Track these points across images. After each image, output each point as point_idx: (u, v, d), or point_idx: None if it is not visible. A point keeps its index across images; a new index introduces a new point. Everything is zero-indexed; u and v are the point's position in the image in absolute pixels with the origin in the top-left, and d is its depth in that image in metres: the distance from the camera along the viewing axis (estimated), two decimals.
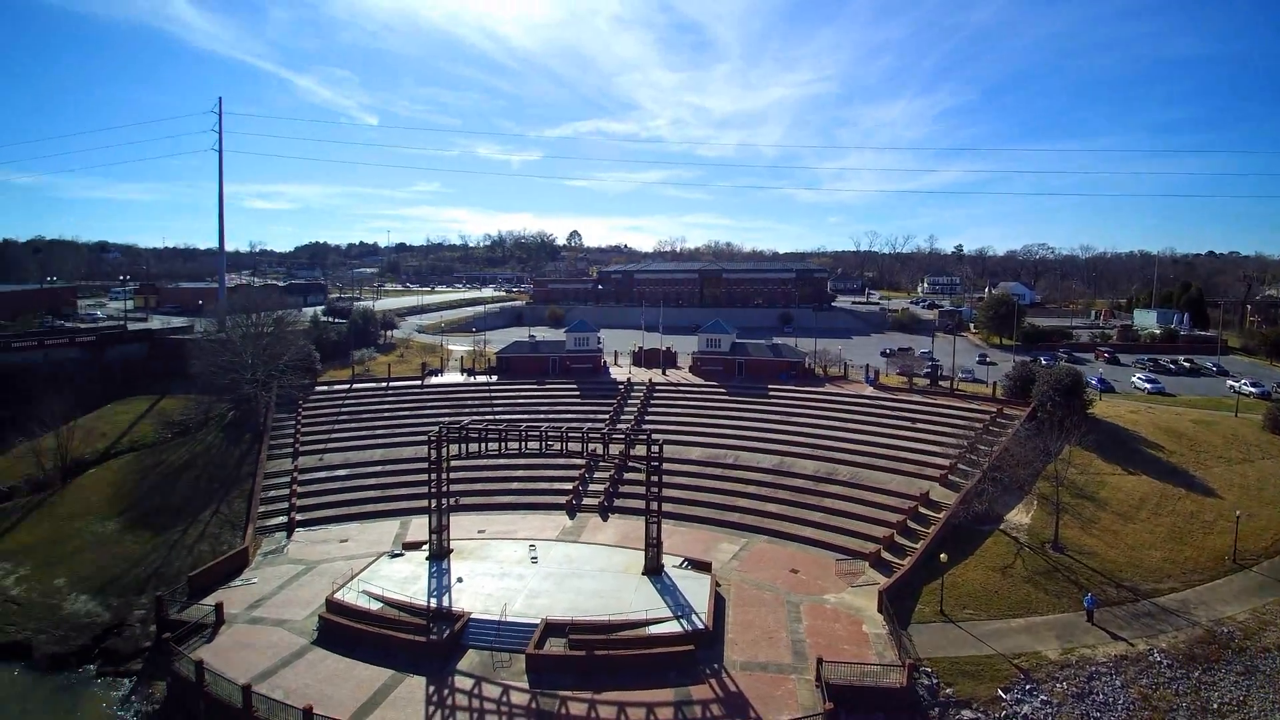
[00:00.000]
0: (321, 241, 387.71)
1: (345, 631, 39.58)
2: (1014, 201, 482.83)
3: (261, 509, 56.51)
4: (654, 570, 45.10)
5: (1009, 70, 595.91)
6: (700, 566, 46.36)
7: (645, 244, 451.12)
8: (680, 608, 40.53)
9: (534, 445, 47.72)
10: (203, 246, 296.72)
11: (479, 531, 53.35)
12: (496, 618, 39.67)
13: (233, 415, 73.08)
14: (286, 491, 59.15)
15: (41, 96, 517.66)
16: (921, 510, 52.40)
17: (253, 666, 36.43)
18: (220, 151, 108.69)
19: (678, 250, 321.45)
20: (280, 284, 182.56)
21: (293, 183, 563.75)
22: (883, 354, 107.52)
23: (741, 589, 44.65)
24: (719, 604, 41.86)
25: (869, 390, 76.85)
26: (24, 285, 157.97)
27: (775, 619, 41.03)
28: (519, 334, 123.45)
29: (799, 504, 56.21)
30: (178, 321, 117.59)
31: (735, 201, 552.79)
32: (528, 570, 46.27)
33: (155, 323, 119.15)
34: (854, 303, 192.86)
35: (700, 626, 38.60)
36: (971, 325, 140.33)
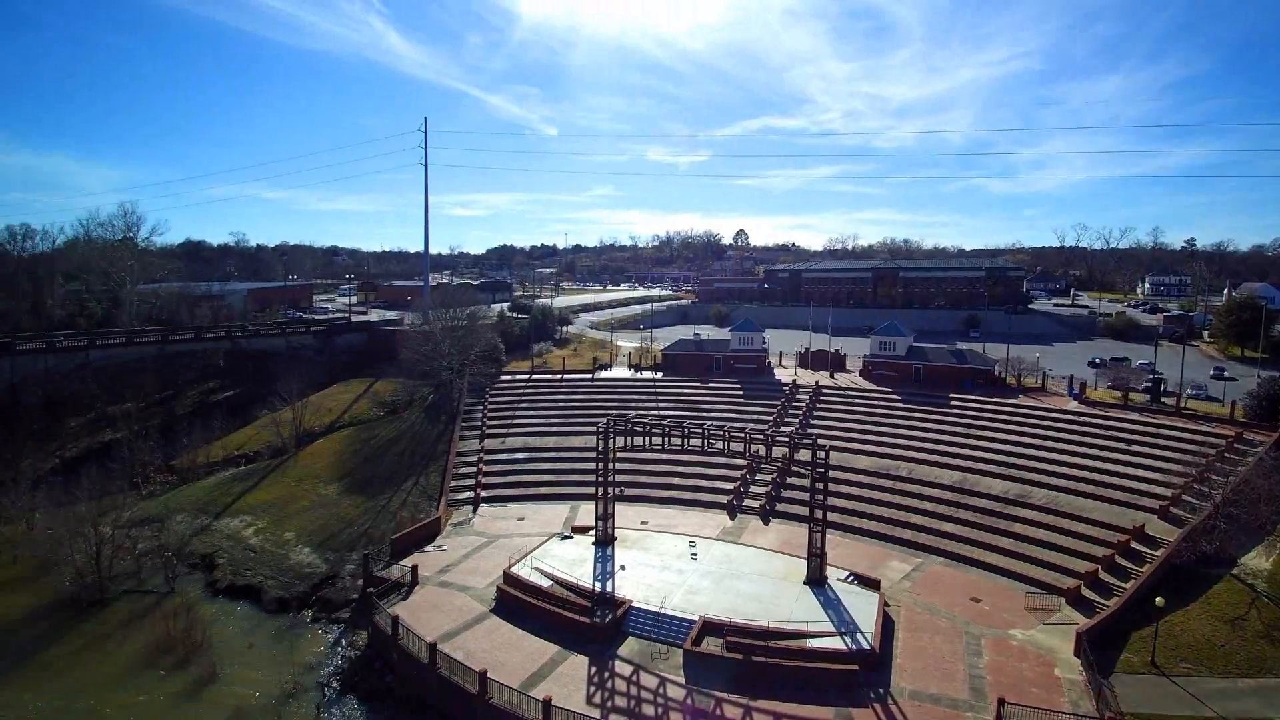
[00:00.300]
0: (508, 244, 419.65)
1: (518, 604, 42.62)
2: (1261, 187, 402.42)
3: (452, 484, 62.51)
4: (816, 581, 43.55)
5: (1254, 31, 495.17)
6: (867, 583, 44.01)
7: (814, 242, 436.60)
8: (844, 624, 38.76)
9: (696, 442, 48.05)
10: (411, 250, 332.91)
11: (642, 523, 54.85)
12: (656, 609, 40.55)
13: (432, 398, 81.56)
14: (474, 469, 64.92)
15: (286, 125, 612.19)
16: (1134, 545, 45.61)
17: (439, 626, 40.36)
18: (425, 166, 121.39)
19: (849, 248, 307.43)
20: (473, 283, 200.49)
21: (485, 192, 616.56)
22: (1091, 364, 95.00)
23: (913, 612, 41.73)
24: (887, 625, 39.46)
25: (1072, 405, 68.10)
26: (271, 283, 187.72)
27: (951, 649, 37.85)
28: (684, 332, 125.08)
29: (983, 526, 51.39)
30: (390, 315, 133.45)
31: (915, 195, 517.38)
32: (687, 566, 46.77)
33: (373, 315, 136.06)
34: (1055, 305, 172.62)
35: (866, 646, 36.63)
36: (1205, 333, 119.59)
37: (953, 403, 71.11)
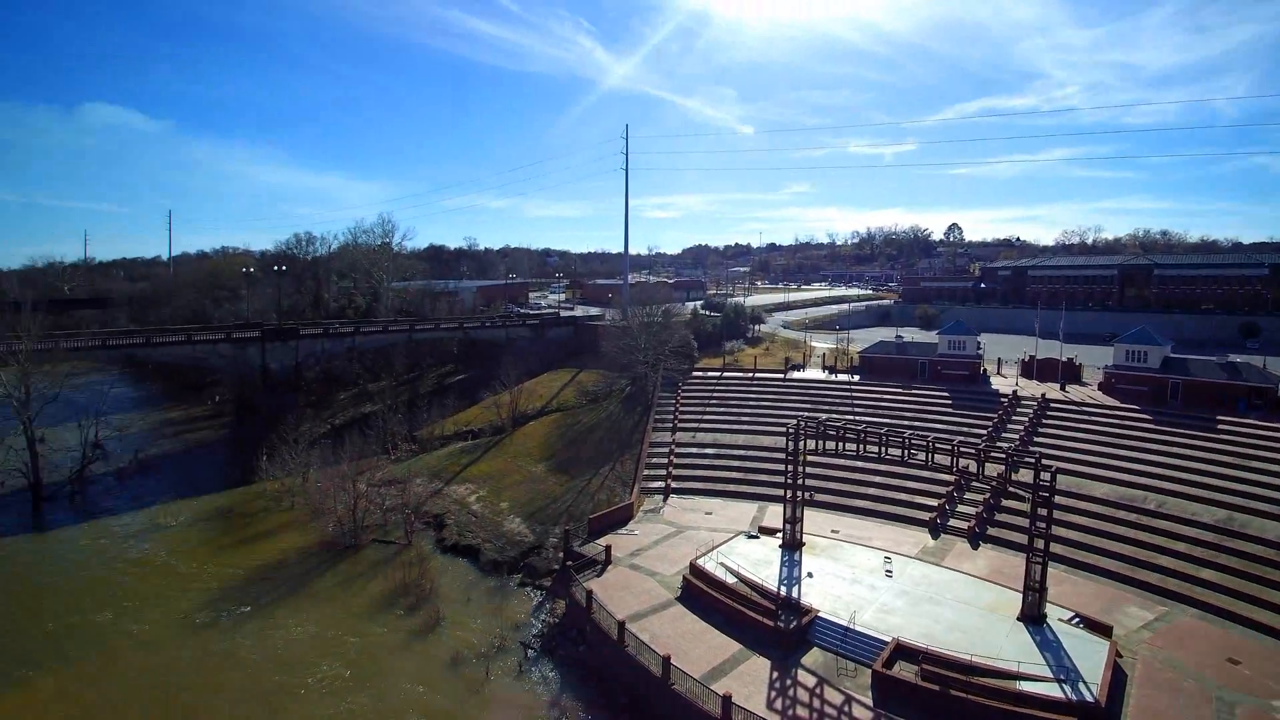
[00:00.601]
0: (703, 244, 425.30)
1: (703, 596, 43.45)
2: None
3: (645, 473, 65.30)
4: (1033, 618, 39.01)
5: None
6: (1097, 628, 38.50)
7: (1042, 236, 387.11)
8: (1064, 670, 34.34)
9: (895, 452, 45.28)
10: (613, 251, 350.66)
11: (832, 531, 53.02)
12: (844, 623, 39.06)
13: (629, 390, 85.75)
14: (665, 461, 67.22)
15: (509, 142, 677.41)
16: None
17: (628, 606, 42.45)
18: (626, 171, 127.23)
19: (1089, 242, 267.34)
20: (669, 281, 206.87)
21: (681, 193, 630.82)
22: None
23: (1151, 667, 35.80)
24: (1117, 678, 34.26)
25: None
26: (495, 281, 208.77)
27: (1195, 716, 31.92)
28: (884, 334, 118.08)
29: (1252, 576, 42.55)
30: (593, 311, 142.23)
31: (1176, 179, 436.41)
32: (880, 582, 44.39)
33: (578, 311, 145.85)
34: None
35: (1090, 699, 32.14)
36: None
37: (1220, 427, 59.46)
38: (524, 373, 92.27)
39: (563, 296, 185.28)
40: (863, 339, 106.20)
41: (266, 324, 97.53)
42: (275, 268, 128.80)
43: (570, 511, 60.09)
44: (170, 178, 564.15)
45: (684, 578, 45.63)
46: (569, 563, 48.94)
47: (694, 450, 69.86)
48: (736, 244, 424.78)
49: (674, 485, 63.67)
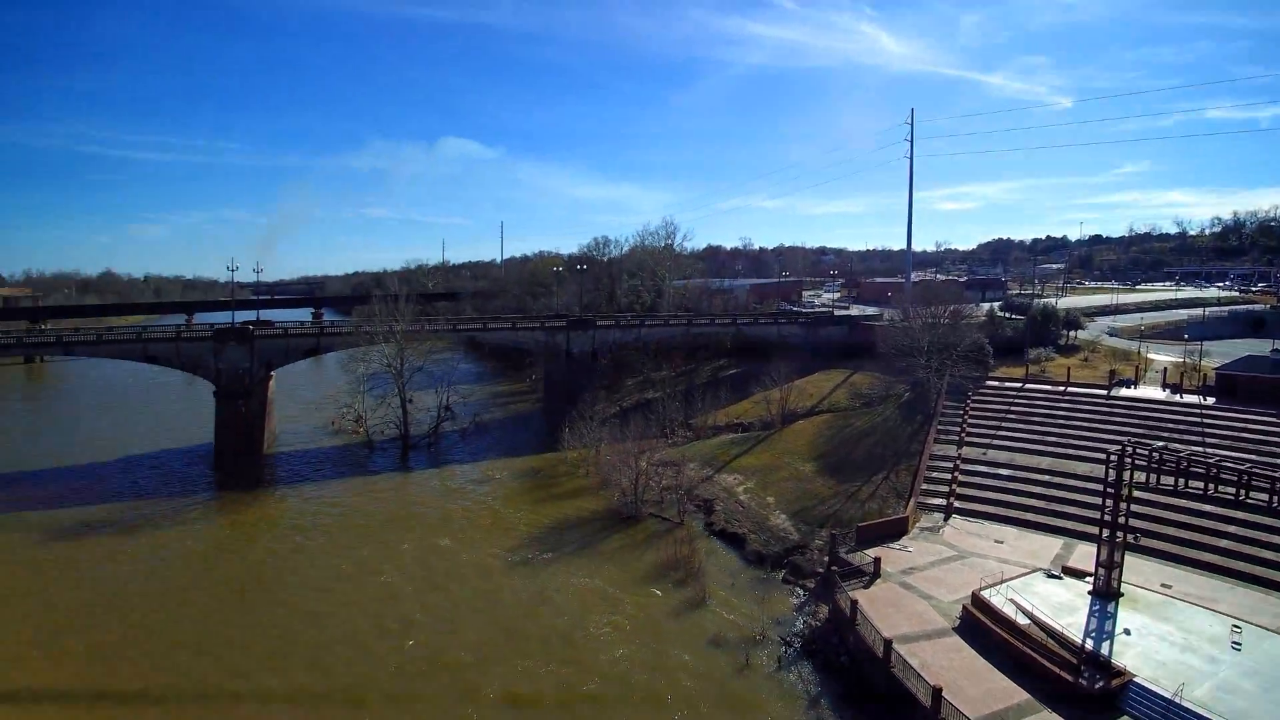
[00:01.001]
0: (1004, 238, 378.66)
1: (986, 632, 39.44)
2: None
3: (923, 487, 61.00)
4: None
5: None
6: None
7: None
8: None
9: (1260, 495, 36.06)
10: (895, 248, 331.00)
11: (1162, 585, 43.98)
12: (1168, 695, 32.46)
13: (908, 396, 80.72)
14: (948, 477, 62.00)
15: (785, 140, 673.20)
16: None
17: (895, 625, 40.34)
18: (910, 160, 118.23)
19: None
20: (960, 279, 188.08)
21: (977, 182, 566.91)
22: None
23: None
24: None
25: None
26: (767, 280, 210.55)
27: None
28: (1255, 346, 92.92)
29: None
30: (870, 310, 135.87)
31: None
32: (1223, 655, 35.89)
33: (854, 310, 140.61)
34: None
35: None
36: None
37: None
38: (794, 370, 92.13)
39: (837, 295, 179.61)
40: (1223, 352, 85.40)
41: (570, 316, 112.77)
42: (578, 267, 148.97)
43: (837, 516, 58.79)
44: (503, 195, 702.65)
45: (964, 607, 41.87)
46: (834, 568, 48.07)
47: (984, 469, 63.15)
48: (1048, 237, 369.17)
49: (957, 505, 58.39)
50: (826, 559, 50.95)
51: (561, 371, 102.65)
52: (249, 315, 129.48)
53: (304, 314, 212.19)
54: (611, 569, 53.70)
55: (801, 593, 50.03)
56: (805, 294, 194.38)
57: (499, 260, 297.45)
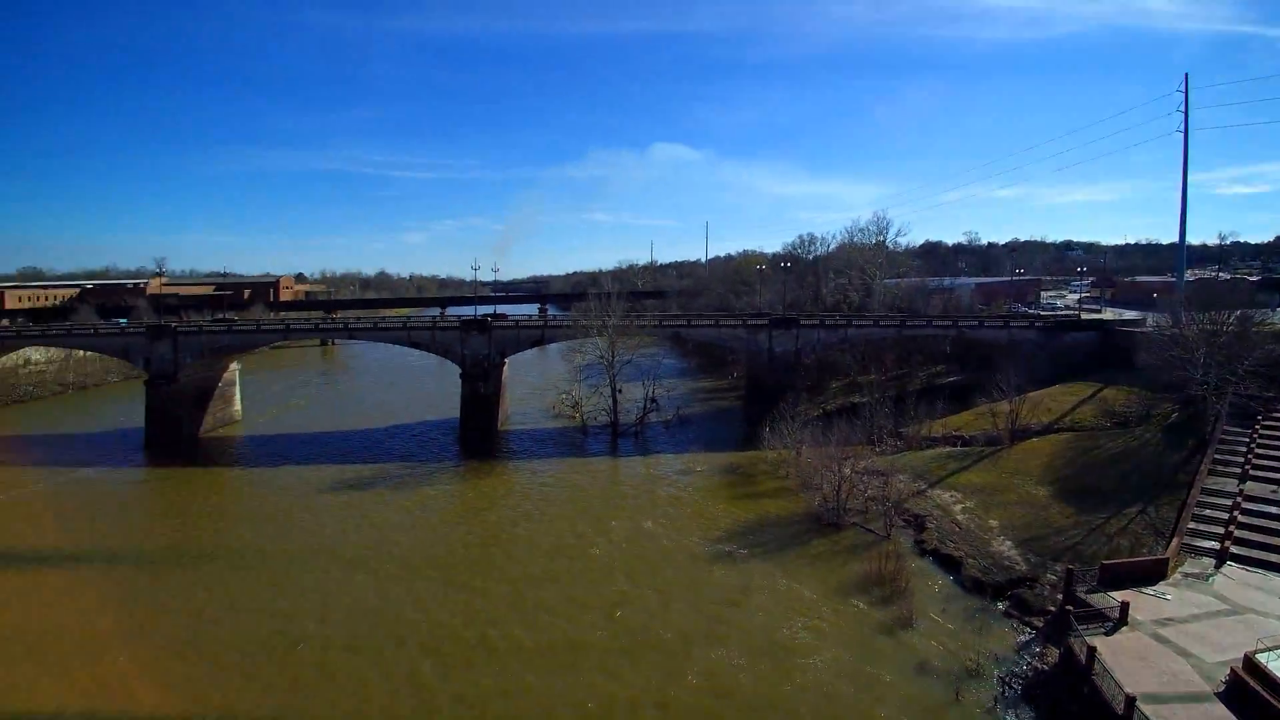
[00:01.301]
0: None
1: (1261, 705, 32.74)
2: None
3: (1191, 525, 51.73)
4: None
5: None
6: None
7: None
8: None
9: None
10: (1164, 241, 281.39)
11: None
12: None
13: (1175, 417, 68.82)
14: (1225, 516, 51.83)
15: (1018, 122, 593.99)
16: None
17: (1141, 682, 34.95)
18: (1185, 136, 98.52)
19: None
20: (1251, 278, 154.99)
21: (1273, 160, 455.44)
22: None
23: None
24: None
25: None
26: (997, 278, 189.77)
27: None
28: None
29: None
30: (1129, 314, 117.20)
31: None
32: None
33: (1108, 314, 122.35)
34: None
35: None
36: None
37: None
38: (1028, 381, 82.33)
39: (1085, 295, 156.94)
40: None
41: (773, 314, 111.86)
42: (782, 265, 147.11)
43: (1076, 550, 51.98)
44: (708, 196, 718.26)
45: (1232, 670, 35.05)
46: (1069, 607, 42.64)
47: (1274, 510, 51.82)
48: None
49: (1234, 550, 48.54)
50: (1060, 596, 45.38)
51: (763, 370, 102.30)
52: (488, 309, 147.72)
53: (531, 309, 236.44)
54: (811, 575, 52.82)
55: (1027, 630, 45.16)
56: (1046, 294, 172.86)
57: (703, 259, 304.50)
